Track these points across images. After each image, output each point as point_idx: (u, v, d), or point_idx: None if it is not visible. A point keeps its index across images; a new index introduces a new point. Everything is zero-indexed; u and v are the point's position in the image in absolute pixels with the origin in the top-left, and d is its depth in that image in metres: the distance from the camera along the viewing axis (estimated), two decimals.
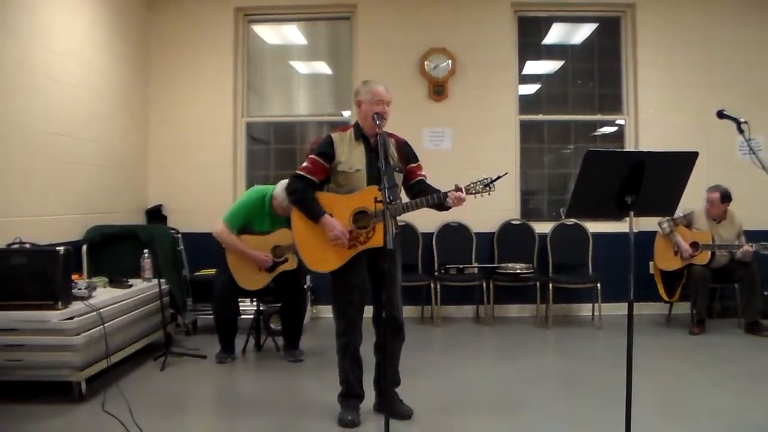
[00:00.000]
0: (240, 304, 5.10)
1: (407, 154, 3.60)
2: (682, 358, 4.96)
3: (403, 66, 6.50)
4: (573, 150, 6.90)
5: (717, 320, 6.01)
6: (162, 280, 4.85)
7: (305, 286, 5.41)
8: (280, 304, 4.95)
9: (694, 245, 5.69)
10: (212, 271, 5.50)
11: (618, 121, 6.82)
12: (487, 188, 3.39)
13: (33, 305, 3.67)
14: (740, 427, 3.41)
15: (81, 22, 5.35)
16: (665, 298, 5.95)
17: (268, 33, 7.01)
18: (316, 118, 7.02)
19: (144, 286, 4.79)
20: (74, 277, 4.16)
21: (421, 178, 3.61)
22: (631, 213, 2.71)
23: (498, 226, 6.46)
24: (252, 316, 5.15)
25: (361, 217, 3.40)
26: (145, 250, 4.99)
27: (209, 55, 6.60)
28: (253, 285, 4.73)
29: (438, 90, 6.53)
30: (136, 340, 4.58)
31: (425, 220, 6.06)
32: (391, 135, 3.57)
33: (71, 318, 3.73)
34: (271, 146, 7.02)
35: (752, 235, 5.75)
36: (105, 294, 4.29)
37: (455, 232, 6.43)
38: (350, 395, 3.54)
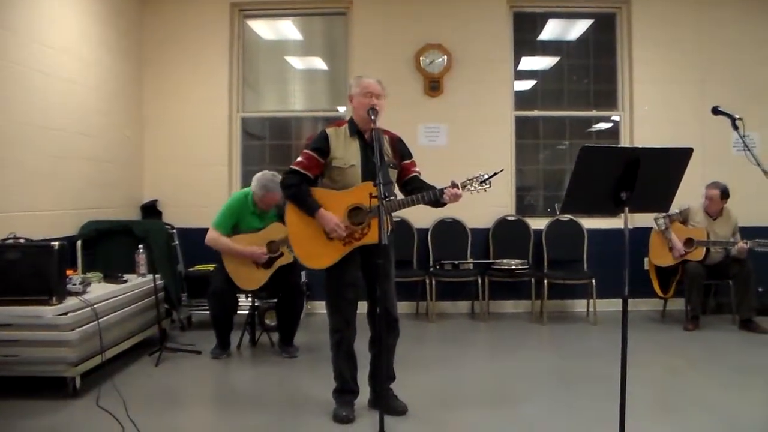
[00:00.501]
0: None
1: (401, 150, 3.60)
2: (676, 354, 4.98)
3: (398, 61, 6.50)
4: (568, 146, 6.91)
5: (711, 317, 6.03)
6: (157, 276, 4.83)
7: (302, 282, 5.41)
8: (275, 300, 4.95)
9: (689, 242, 5.70)
10: (207, 267, 5.50)
11: (613, 118, 6.83)
12: (483, 185, 3.38)
13: (27, 300, 3.66)
14: (733, 422, 3.42)
15: (75, 17, 5.33)
16: (660, 294, 5.97)
17: (264, 28, 6.99)
18: (311, 113, 7.01)
19: (139, 281, 4.78)
20: (69, 272, 4.16)
21: (415, 174, 3.61)
22: (626, 209, 2.71)
23: (493, 222, 6.46)
24: (247, 312, 5.15)
25: (356, 213, 3.39)
26: (140, 246, 4.98)
27: (204, 50, 6.58)
28: (253, 284, 4.72)
29: (433, 86, 6.52)
30: (131, 335, 4.57)
31: (420, 216, 6.06)
32: (385, 131, 3.56)
33: (66, 313, 3.73)
34: (266, 141, 7.01)
35: (746, 232, 5.77)
36: (100, 289, 4.28)
37: (450, 228, 6.43)
38: (345, 391, 3.54)
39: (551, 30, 6.91)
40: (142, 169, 6.59)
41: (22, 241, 3.96)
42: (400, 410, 3.49)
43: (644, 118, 6.54)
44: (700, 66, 6.49)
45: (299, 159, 3.47)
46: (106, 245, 5.28)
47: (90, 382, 3.91)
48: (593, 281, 5.92)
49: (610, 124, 6.89)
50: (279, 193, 4.57)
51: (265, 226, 4.73)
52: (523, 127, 6.79)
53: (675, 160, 2.71)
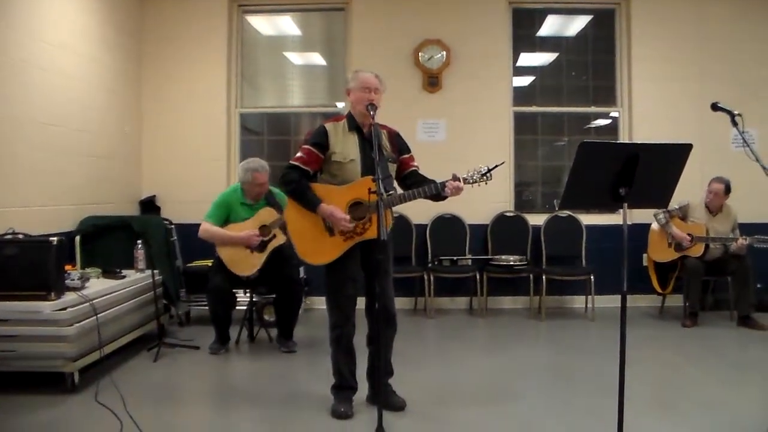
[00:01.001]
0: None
1: (399, 144, 3.59)
2: (675, 350, 4.98)
3: (397, 57, 6.48)
4: (567, 142, 6.91)
5: (709, 313, 6.03)
6: (155, 271, 4.83)
7: (300, 277, 5.41)
8: (274, 296, 4.95)
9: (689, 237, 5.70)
10: (206, 262, 5.50)
11: (612, 114, 6.82)
12: (485, 177, 3.38)
13: (26, 296, 3.66)
14: (731, 418, 3.43)
15: (74, 13, 5.31)
16: (658, 290, 5.98)
17: (263, 24, 6.98)
18: (309, 109, 6.99)
19: (137, 277, 4.79)
20: (67, 267, 4.15)
21: (413, 168, 3.61)
22: (625, 205, 2.71)
23: (492, 218, 6.46)
24: (245, 308, 5.15)
25: (356, 208, 3.39)
26: (139, 241, 4.98)
27: (203, 46, 6.56)
28: (249, 269, 4.69)
29: (432, 81, 6.52)
30: (129, 331, 4.57)
31: (419, 212, 6.06)
32: (383, 126, 3.55)
33: (64, 309, 3.72)
34: (264, 137, 7.00)
35: (745, 228, 5.77)
36: (98, 285, 4.27)
37: (449, 224, 6.43)
38: (343, 387, 3.54)
39: (550, 26, 6.90)
40: (141, 164, 6.58)
41: (20, 236, 3.96)
42: (398, 406, 3.49)
43: (643, 114, 6.53)
44: (699, 62, 6.49)
45: (299, 154, 3.46)
46: (105, 241, 5.27)
47: (88, 377, 3.91)
48: (592, 277, 5.93)
49: (608, 121, 6.89)
50: (265, 173, 4.64)
51: (255, 213, 4.74)
52: (521, 123, 6.78)
53: (674, 156, 2.71)
